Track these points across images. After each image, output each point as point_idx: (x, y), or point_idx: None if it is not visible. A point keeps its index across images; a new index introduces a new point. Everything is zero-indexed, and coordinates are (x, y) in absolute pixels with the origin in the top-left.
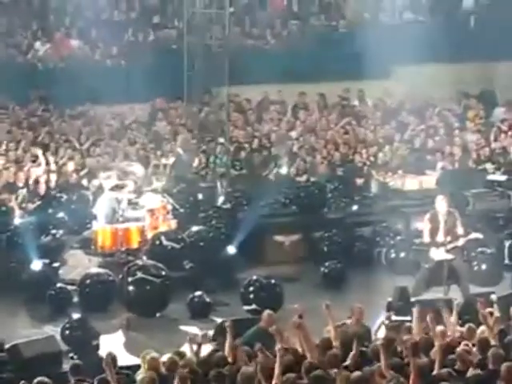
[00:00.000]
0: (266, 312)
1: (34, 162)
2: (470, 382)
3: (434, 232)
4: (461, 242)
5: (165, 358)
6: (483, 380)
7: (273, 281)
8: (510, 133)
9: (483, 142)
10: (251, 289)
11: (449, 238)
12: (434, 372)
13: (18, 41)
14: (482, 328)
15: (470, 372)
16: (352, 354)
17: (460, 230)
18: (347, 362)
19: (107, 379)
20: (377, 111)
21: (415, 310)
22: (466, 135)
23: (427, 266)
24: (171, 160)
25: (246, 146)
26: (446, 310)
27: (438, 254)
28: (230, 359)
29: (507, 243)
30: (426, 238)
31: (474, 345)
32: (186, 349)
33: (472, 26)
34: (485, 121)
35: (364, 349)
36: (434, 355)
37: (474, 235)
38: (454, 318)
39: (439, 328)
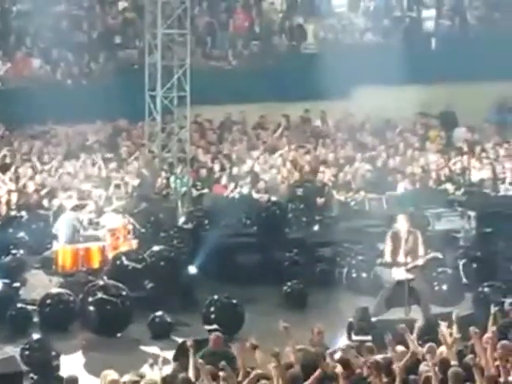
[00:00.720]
0: (215, 334)
1: None
2: None
3: (395, 251)
4: (420, 261)
5: (125, 378)
6: None
7: (234, 301)
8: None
9: (443, 163)
10: (212, 309)
11: (409, 258)
12: None
13: None
14: (442, 348)
15: None
16: (315, 375)
17: (421, 250)
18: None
19: None
20: (338, 131)
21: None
22: (426, 155)
23: (388, 286)
24: (136, 181)
25: (208, 165)
26: (406, 330)
27: (398, 274)
28: (193, 379)
29: (461, 262)
30: (388, 258)
31: (434, 364)
32: (146, 369)
33: (433, 47)
34: (445, 141)
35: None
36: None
37: (433, 254)
38: (414, 338)
39: (399, 348)
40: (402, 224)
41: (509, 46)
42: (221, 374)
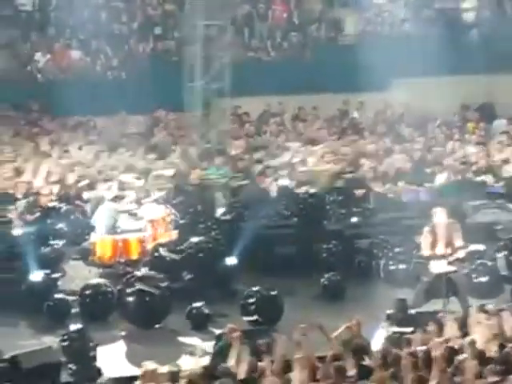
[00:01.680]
0: (229, 325)
1: (34, 172)
2: None
3: (433, 244)
4: (461, 254)
5: (163, 369)
6: None
7: (273, 292)
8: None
9: (483, 155)
10: (251, 300)
11: (449, 251)
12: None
13: (19, 52)
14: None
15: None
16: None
17: (459, 242)
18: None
19: None
20: (376, 123)
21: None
22: (465, 147)
23: (426, 279)
24: (171, 171)
25: (247, 157)
26: (445, 323)
27: (437, 267)
28: (234, 370)
29: (500, 254)
30: (426, 251)
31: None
32: (184, 360)
33: (473, 38)
34: (485, 133)
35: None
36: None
37: (474, 247)
38: (453, 330)
39: (439, 340)
40: (440, 217)
41: None
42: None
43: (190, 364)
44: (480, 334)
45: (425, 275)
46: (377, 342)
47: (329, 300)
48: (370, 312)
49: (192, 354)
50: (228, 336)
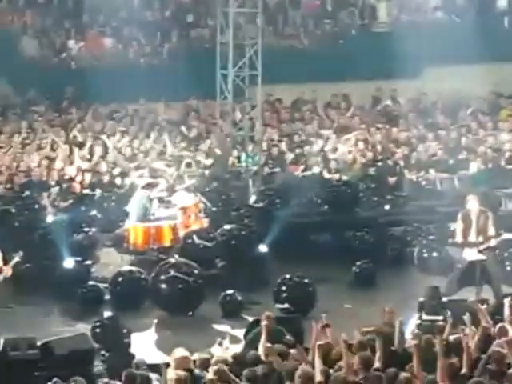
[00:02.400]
0: (265, 313)
1: (67, 159)
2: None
3: (466, 232)
4: (493, 242)
5: (195, 356)
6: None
7: (306, 280)
8: None
9: None
10: (284, 288)
11: (480, 238)
12: (463, 371)
13: (52, 39)
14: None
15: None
16: (378, 356)
17: (491, 231)
18: (377, 365)
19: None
20: (409, 111)
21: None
22: (499, 135)
23: (459, 266)
24: (209, 161)
25: (279, 144)
26: (479, 311)
27: (470, 255)
28: (263, 357)
29: None
30: (459, 238)
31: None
32: (216, 349)
33: (506, 25)
34: None
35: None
36: (466, 355)
37: (506, 235)
38: (486, 319)
39: (472, 328)
40: (472, 204)
41: None
42: (292, 351)
43: (220, 352)
44: None
45: (457, 263)
46: (409, 329)
47: (361, 288)
48: (403, 300)
49: (221, 344)
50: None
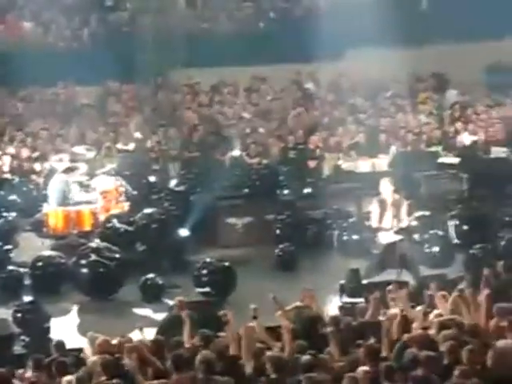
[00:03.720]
0: (178, 298)
1: None
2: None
3: (381, 215)
4: (405, 223)
5: (115, 340)
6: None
7: (226, 263)
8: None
9: (435, 125)
10: (204, 271)
11: (395, 223)
12: (383, 353)
13: None
14: (437, 311)
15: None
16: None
17: (405, 213)
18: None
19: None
20: (330, 93)
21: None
22: (417, 118)
23: (378, 249)
24: (131, 145)
25: (199, 128)
26: (399, 293)
27: (385, 238)
28: (187, 344)
29: (452, 223)
30: (374, 223)
31: (426, 328)
32: (136, 333)
33: (424, 7)
34: (437, 104)
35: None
36: (386, 336)
37: (419, 213)
38: (406, 300)
39: (392, 310)
40: (386, 188)
41: (501, 4)
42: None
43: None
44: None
45: (375, 246)
46: (330, 312)
47: (283, 271)
48: (324, 283)
49: (141, 329)
50: (177, 309)
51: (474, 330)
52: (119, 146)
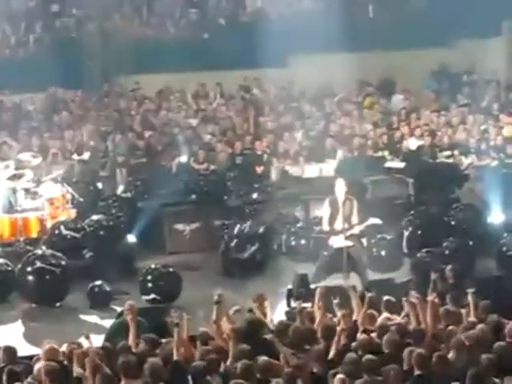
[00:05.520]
0: (128, 303)
1: None
2: (364, 366)
3: (332, 218)
4: (357, 229)
5: (64, 347)
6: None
7: (170, 269)
8: (407, 121)
9: (381, 130)
10: (149, 277)
11: (346, 225)
12: (330, 356)
13: None
14: (384, 315)
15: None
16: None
17: (356, 218)
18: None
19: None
20: (276, 100)
21: (318, 294)
22: (364, 123)
23: (326, 254)
24: (86, 155)
25: (146, 134)
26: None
27: (336, 242)
28: (133, 348)
29: (406, 232)
30: (325, 226)
31: (372, 331)
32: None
33: (370, 15)
34: (383, 109)
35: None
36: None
37: (371, 221)
38: (354, 305)
39: (339, 314)
40: (340, 188)
41: (446, 13)
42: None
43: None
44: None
45: (324, 250)
46: (278, 317)
47: (230, 276)
48: (272, 287)
49: (88, 337)
50: (126, 314)
51: (418, 334)
52: (75, 156)
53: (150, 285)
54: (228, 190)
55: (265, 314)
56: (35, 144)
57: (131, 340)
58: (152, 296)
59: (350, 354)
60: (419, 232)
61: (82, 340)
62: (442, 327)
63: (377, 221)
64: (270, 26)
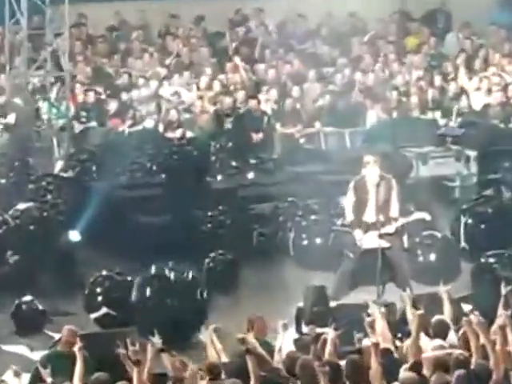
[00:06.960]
0: (66, 327)
1: None
2: None
3: (361, 208)
4: (398, 224)
5: None
6: None
7: (129, 278)
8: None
9: (431, 82)
10: (98, 289)
11: (381, 218)
12: None
13: None
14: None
15: None
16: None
17: (395, 208)
18: None
19: None
20: (281, 38)
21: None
22: (406, 72)
23: (352, 257)
24: (11, 117)
25: (97, 88)
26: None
27: (366, 241)
28: None
29: (464, 227)
30: (350, 217)
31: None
32: (8, 377)
33: None
34: (433, 52)
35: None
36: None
37: (417, 215)
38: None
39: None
40: (370, 168)
41: None
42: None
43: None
44: None
45: (350, 252)
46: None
47: (217, 289)
48: (274, 305)
49: (17, 375)
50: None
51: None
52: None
53: (99, 299)
54: (213, 166)
55: (267, 344)
56: None
57: (76, 380)
58: (103, 311)
59: None
60: (483, 227)
61: (8, 376)
62: None
63: (425, 216)
64: None
